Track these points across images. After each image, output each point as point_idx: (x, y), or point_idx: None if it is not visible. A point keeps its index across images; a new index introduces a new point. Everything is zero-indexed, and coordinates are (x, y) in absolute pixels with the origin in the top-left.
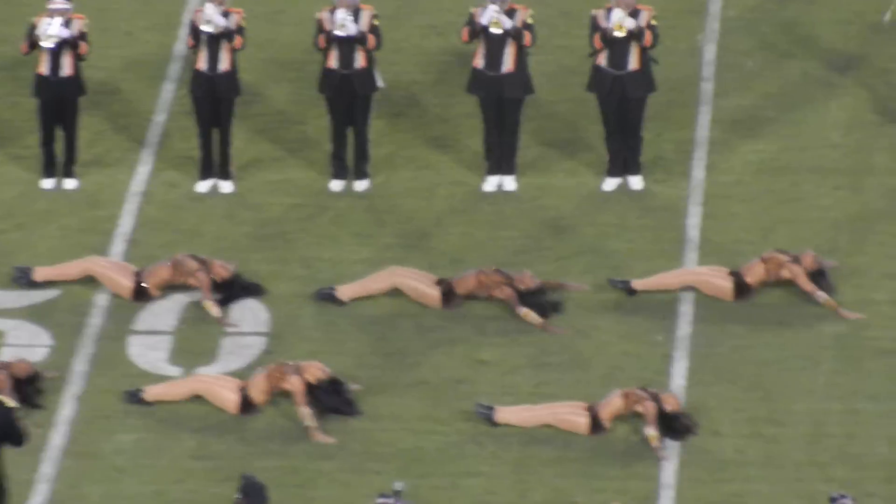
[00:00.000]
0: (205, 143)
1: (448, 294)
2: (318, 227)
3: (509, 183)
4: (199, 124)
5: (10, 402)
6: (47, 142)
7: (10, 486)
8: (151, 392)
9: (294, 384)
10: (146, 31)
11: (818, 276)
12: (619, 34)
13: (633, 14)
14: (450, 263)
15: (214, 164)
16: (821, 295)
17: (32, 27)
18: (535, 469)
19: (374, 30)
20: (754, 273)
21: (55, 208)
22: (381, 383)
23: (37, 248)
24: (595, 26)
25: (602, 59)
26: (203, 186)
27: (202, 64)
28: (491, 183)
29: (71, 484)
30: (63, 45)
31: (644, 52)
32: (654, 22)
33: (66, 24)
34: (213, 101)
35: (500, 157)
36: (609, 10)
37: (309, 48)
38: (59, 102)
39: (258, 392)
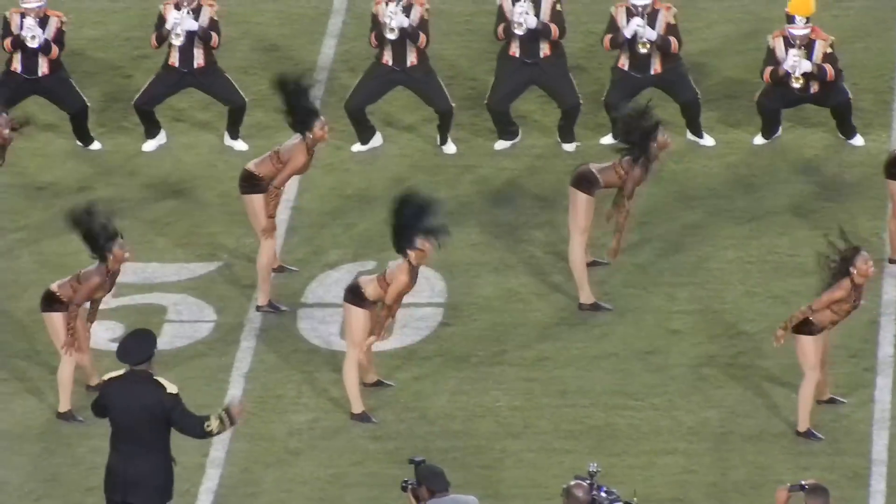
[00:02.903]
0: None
1: None
2: (492, 190)
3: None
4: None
5: (172, 388)
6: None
7: (180, 471)
8: None
9: None
10: None
11: None
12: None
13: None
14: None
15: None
16: None
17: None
18: (737, 445)
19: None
20: None
21: None
22: (569, 356)
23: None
24: None
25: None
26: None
27: (387, 59)
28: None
29: (243, 468)
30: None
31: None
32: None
33: (196, 12)
34: None
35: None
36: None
37: None
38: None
39: None
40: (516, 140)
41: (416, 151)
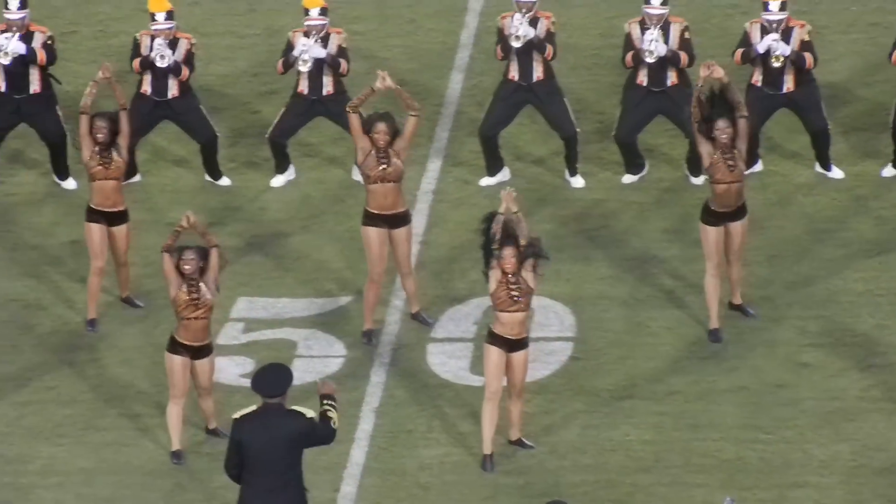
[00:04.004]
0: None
1: None
2: (620, 224)
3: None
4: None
5: (308, 412)
6: None
7: None
8: None
9: None
10: (429, 19)
11: None
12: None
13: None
14: None
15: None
16: None
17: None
18: (868, 478)
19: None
20: None
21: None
22: (699, 389)
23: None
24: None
25: None
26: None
27: (514, 74)
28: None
29: (374, 502)
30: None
31: None
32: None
33: (325, 40)
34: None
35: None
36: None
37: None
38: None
39: None
40: (643, 173)
41: (545, 185)
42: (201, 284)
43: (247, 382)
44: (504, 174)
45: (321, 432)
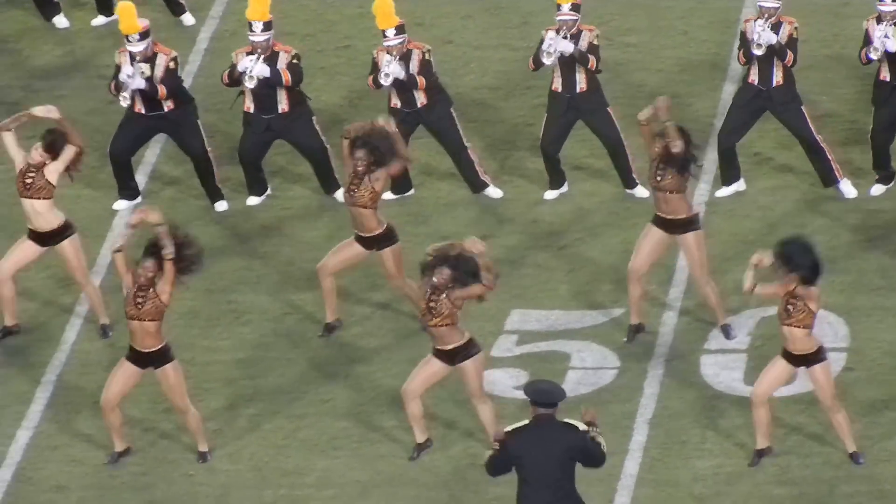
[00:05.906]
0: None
1: None
2: (894, 234)
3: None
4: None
5: (581, 425)
6: None
7: None
8: None
9: None
10: (702, 30)
11: None
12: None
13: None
14: None
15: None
16: None
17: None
18: None
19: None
20: None
21: None
22: None
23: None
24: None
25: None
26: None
27: (753, 77)
28: None
29: None
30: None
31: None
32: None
33: (575, 37)
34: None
35: None
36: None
37: None
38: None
39: None
40: (891, 185)
41: (819, 196)
42: (441, 296)
43: (520, 394)
44: (740, 184)
45: (594, 451)
